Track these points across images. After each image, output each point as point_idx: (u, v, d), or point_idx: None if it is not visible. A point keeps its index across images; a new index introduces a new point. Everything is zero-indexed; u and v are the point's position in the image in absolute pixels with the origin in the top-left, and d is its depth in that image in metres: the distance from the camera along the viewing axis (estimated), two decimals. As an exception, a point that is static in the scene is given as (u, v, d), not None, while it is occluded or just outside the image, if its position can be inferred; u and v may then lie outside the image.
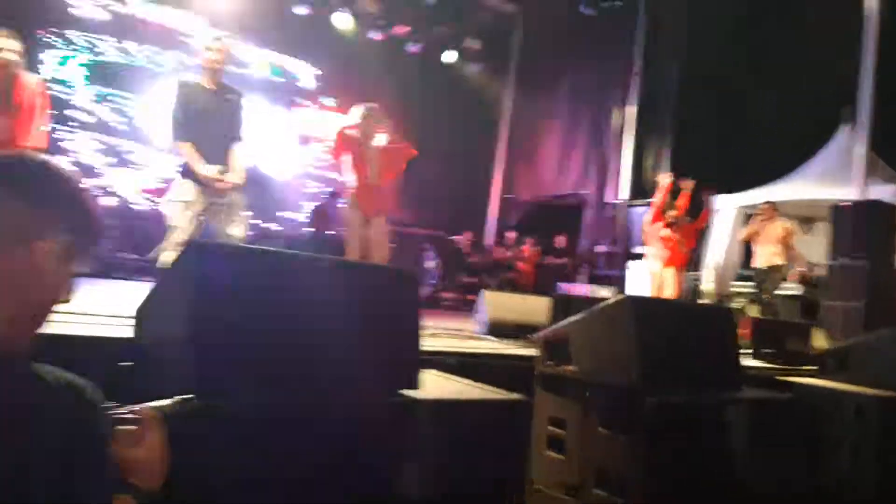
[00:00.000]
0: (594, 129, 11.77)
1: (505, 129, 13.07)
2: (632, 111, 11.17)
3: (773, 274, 7.44)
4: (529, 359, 3.79)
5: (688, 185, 7.47)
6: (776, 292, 7.55)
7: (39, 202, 1.03)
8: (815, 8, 8.72)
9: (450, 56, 12.29)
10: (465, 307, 9.02)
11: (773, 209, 7.65)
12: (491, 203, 12.94)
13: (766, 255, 7.45)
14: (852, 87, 7.35)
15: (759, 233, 7.57)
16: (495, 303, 5.22)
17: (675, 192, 7.40)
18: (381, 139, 5.17)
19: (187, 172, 4.13)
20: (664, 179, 7.52)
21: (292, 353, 2.42)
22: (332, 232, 9.08)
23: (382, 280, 2.75)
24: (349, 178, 5.11)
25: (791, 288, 7.91)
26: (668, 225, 7.32)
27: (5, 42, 3.89)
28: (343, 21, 11.18)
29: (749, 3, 9.55)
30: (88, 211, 1.09)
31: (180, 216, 4.06)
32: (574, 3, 10.76)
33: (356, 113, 5.21)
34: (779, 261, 7.34)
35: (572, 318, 3.56)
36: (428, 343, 3.70)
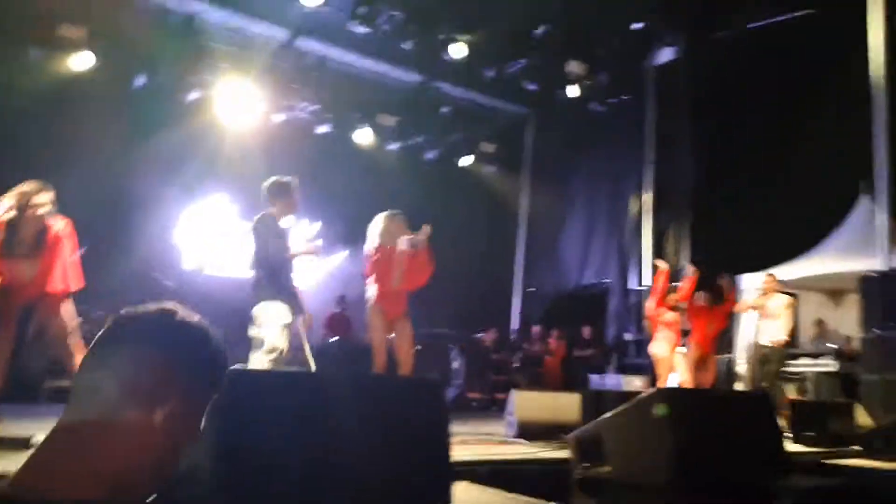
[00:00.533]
0: (613, 218, 11.91)
1: (524, 225, 13.27)
2: (648, 198, 11.33)
3: (778, 351, 7.22)
4: (563, 461, 3.71)
5: (689, 269, 7.54)
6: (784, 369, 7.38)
7: (177, 363, 1.05)
8: (824, 84, 8.93)
9: (466, 160, 12.69)
10: (494, 407, 8.89)
11: (775, 281, 7.54)
12: (514, 299, 12.97)
13: (770, 331, 7.28)
14: (868, 158, 7.43)
15: (764, 307, 7.42)
16: (524, 403, 5.16)
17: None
18: (404, 244, 5.24)
19: (280, 293, 4.42)
20: (661, 265, 7.59)
21: (322, 475, 2.42)
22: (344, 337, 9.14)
23: (408, 392, 2.77)
24: (372, 283, 5.24)
25: (829, 364, 7.71)
26: (672, 308, 7.31)
27: (40, 197, 4.12)
28: (364, 136, 11.67)
29: (756, 83, 9.81)
30: (221, 370, 1.12)
31: (282, 338, 4.33)
32: (583, 101, 11.15)
33: (380, 218, 5.42)
34: (783, 336, 7.16)
35: (604, 416, 3.51)
36: (458, 452, 3.65)
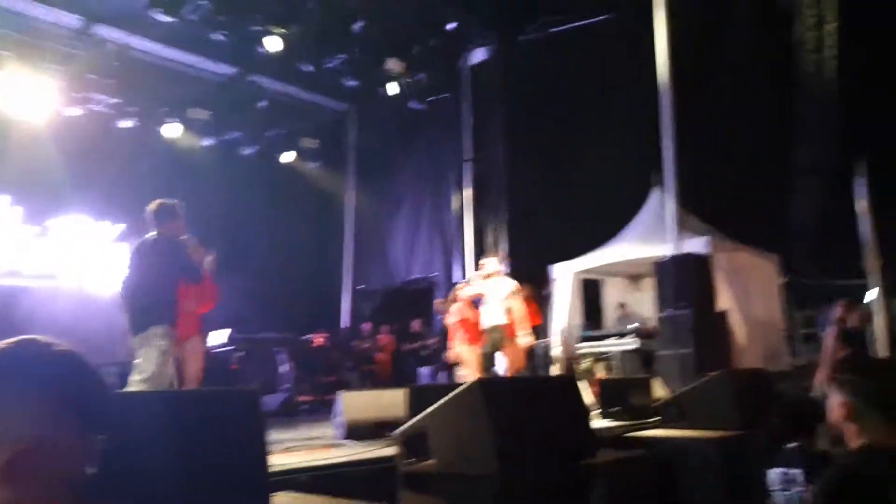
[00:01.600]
0: (436, 214, 12.19)
1: (350, 223, 13.19)
2: (468, 194, 11.72)
3: (494, 333, 7.19)
4: (389, 459, 3.71)
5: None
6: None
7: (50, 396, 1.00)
8: (618, 83, 9.73)
9: (287, 156, 12.32)
10: (324, 409, 8.74)
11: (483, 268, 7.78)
12: (343, 297, 12.85)
13: (490, 315, 7.32)
14: (657, 153, 8.17)
15: (484, 293, 7.46)
16: (352, 403, 5.10)
17: None
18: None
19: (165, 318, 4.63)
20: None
21: (139, 497, 2.21)
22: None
23: (221, 404, 2.61)
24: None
25: (631, 343, 8.42)
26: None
27: None
28: (173, 131, 10.93)
29: (560, 82, 10.50)
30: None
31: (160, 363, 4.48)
32: (403, 98, 11.26)
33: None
34: (503, 320, 7.19)
35: (428, 410, 3.55)
36: (279, 460, 3.52)
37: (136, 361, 4.54)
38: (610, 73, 9.86)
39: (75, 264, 10.05)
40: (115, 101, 9.92)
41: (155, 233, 4.83)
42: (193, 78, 10.66)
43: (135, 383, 4.47)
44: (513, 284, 7.27)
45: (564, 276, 9.44)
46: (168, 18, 8.65)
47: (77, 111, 9.66)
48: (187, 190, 10.72)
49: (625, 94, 9.53)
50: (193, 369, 5.28)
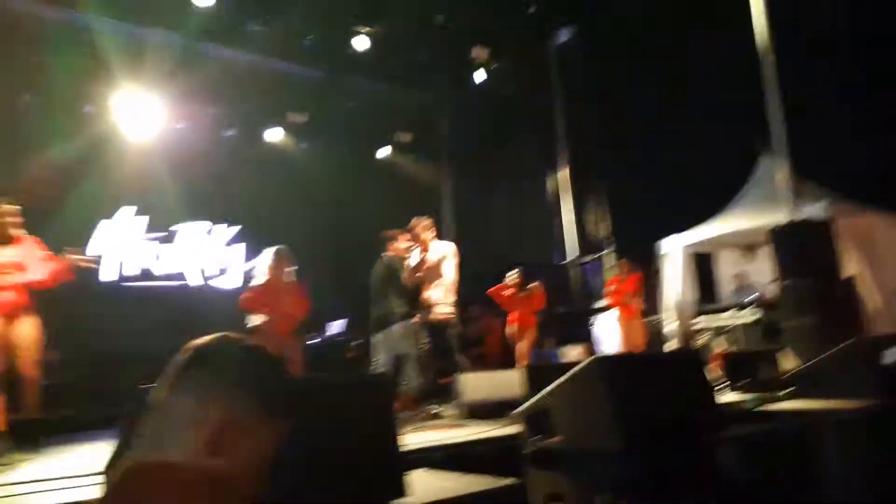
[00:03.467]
0: (533, 198, 12.11)
1: (448, 213, 13.31)
2: (564, 174, 11.56)
3: None
4: (514, 437, 3.75)
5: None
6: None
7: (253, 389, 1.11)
8: (716, 49, 9.30)
9: (383, 152, 12.61)
10: (440, 391, 8.90)
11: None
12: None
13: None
14: (763, 119, 7.78)
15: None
16: (470, 384, 5.19)
17: None
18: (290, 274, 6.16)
19: None
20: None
21: (280, 478, 2.36)
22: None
23: (355, 389, 2.73)
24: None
25: (752, 315, 8.08)
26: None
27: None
28: (275, 135, 11.45)
29: (652, 55, 10.16)
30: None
31: None
32: (491, 85, 11.24)
33: (269, 253, 6.18)
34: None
35: (548, 389, 3.56)
36: (412, 440, 3.64)
37: None
38: (706, 39, 9.44)
39: (199, 264, 10.78)
40: (218, 111, 10.46)
41: None
42: (289, 83, 11.02)
43: None
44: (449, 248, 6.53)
45: (674, 251, 9.17)
46: (262, 28, 9.06)
47: (185, 124, 10.28)
48: (291, 190, 11.25)
49: (724, 60, 9.11)
50: (297, 359, 6.00)
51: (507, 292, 8.60)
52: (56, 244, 5.00)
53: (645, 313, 8.60)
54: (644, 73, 10.23)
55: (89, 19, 8.58)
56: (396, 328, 6.09)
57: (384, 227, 11.94)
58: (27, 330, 4.54)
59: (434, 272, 6.25)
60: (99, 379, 7.98)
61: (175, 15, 8.90)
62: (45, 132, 8.84)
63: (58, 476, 3.54)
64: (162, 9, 8.89)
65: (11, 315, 4.46)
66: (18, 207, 4.69)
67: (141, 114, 9.71)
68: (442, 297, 6.20)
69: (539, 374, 4.40)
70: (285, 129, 11.50)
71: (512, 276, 8.61)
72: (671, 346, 8.49)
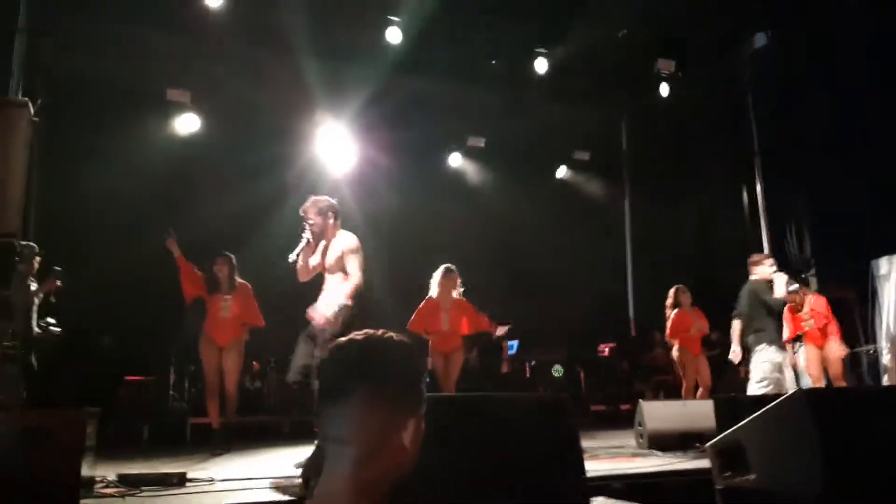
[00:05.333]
0: (725, 214, 11.41)
1: (628, 231, 12.93)
2: (759, 189, 10.79)
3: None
4: (703, 472, 3.53)
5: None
6: None
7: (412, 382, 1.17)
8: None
9: (561, 170, 12.60)
10: (617, 418, 8.65)
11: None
12: (631, 306, 12.61)
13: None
14: None
15: None
16: (654, 413, 4.96)
17: None
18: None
19: None
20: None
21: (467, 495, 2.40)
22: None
23: (536, 410, 2.72)
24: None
25: None
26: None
27: None
28: (455, 160, 11.88)
29: (858, 56, 9.17)
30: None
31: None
32: (676, 98, 10.79)
33: (439, 272, 6.40)
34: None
35: (744, 422, 3.31)
36: (591, 466, 3.55)
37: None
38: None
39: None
40: (402, 138, 11.00)
41: None
42: (469, 107, 11.31)
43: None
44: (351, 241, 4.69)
45: (893, 271, 8.15)
46: (446, 56, 9.44)
47: (372, 153, 10.96)
48: (473, 213, 11.53)
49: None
50: (453, 378, 6.21)
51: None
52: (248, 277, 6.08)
53: (849, 342, 7.66)
54: (843, 77, 9.25)
55: (298, 58, 9.40)
56: None
57: (564, 246, 11.90)
58: (234, 357, 5.81)
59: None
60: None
61: (369, 51, 9.51)
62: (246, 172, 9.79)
63: (260, 476, 3.89)
64: (357, 46, 9.54)
65: (225, 346, 5.78)
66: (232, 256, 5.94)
67: (338, 147, 10.45)
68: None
69: (733, 405, 4.10)
70: (464, 153, 11.86)
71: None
72: (887, 380, 7.50)
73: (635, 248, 12.79)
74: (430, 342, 6.28)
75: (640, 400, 5.38)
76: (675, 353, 7.41)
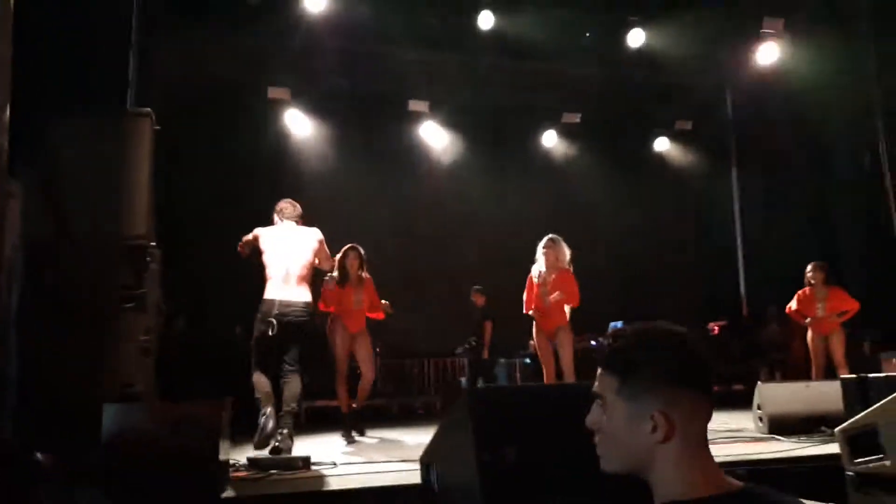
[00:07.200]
0: (846, 184, 10.67)
1: (735, 205, 12.35)
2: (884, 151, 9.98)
3: None
4: (831, 457, 3.37)
5: None
6: None
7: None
8: None
9: (661, 143, 12.18)
10: (730, 399, 8.32)
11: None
12: (742, 282, 12.10)
13: None
14: None
15: None
16: (773, 396, 4.75)
17: None
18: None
19: None
20: None
21: (571, 488, 2.41)
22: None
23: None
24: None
25: None
26: None
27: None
28: (549, 138, 11.74)
29: None
30: None
31: None
32: (781, 63, 10.14)
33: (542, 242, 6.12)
34: None
35: (878, 405, 3.13)
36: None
37: None
38: None
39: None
40: (496, 121, 10.96)
41: None
42: (563, 84, 11.09)
43: None
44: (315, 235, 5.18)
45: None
46: (539, 34, 9.32)
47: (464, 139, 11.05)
48: (569, 190, 11.36)
49: None
50: (566, 360, 5.85)
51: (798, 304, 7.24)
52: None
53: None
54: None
55: (391, 49, 9.55)
56: None
57: (666, 224, 11.51)
58: (367, 344, 6.12)
59: None
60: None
61: (460, 39, 9.53)
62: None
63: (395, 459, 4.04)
64: (450, 36, 9.58)
65: (356, 334, 6.04)
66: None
67: (437, 138, 10.60)
68: None
69: (863, 387, 3.88)
70: (559, 131, 11.68)
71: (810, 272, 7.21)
72: None
73: (745, 221, 12.20)
74: (534, 322, 6.05)
75: (759, 382, 5.15)
76: (808, 334, 7.05)
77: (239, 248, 4.89)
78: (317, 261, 5.05)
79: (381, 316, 6.21)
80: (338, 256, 5.90)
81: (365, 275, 6.08)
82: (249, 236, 4.87)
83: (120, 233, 4.48)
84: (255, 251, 4.86)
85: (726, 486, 1.10)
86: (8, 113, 4.47)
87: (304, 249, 4.88)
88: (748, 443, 4.24)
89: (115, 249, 4.42)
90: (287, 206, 5.06)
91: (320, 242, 5.01)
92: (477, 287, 9.11)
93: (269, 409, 4.42)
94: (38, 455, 3.77)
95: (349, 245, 6.09)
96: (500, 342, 9.14)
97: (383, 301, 6.14)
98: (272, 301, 4.66)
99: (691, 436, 1.11)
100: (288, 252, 4.82)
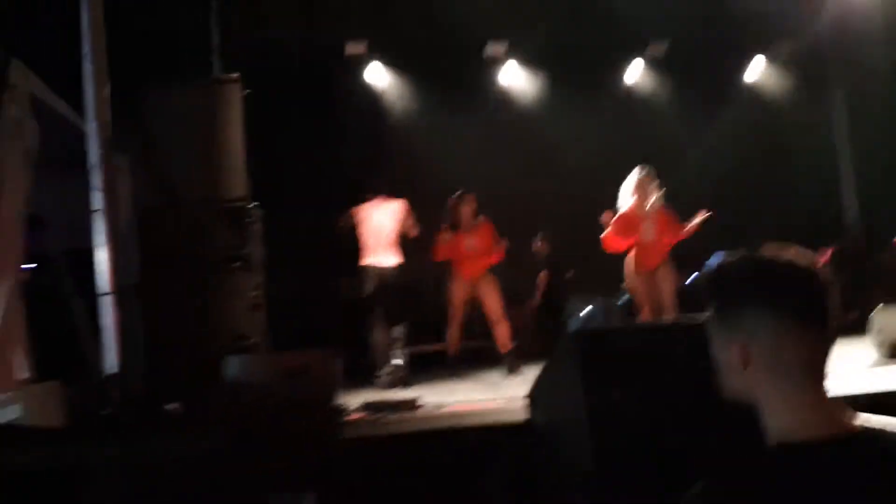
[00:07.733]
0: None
1: (843, 140, 11.53)
2: None
3: None
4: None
5: None
6: None
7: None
8: None
9: (755, 71, 11.41)
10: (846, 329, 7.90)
11: None
12: (848, 204, 11.41)
13: None
14: None
15: None
16: (893, 320, 4.49)
17: None
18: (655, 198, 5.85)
19: None
20: None
21: (679, 427, 2.38)
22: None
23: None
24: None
25: None
26: None
27: None
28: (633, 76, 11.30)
29: None
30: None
31: None
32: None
33: (633, 174, 5.93)
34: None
35: None
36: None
37: None
38: None
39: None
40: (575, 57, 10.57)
41: None
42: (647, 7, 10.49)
43: None
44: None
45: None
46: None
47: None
48: (657, 125, 10.86)
49: None
50: (667, 296, 5.78)
51: None
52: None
53: None
54: None
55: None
56: None
57: (764, 155, 10.84)
58: (490, 287, 6.39)
59: None
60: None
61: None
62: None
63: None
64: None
65: (475, 280, 6.33)
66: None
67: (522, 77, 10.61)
68: None
69: None
70: (646, 62, 11.16)
71: None
72: None
73: (854, 144, 11.37)
74: (630, 259, 5.84)
75: (881, 304, 4.82)
76: None
77: (340, 223, 6.06)
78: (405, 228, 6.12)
79: (495, 259, 6.35)
80: (450, 203, 6.30)
81: (481, 219, 6.35)
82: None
83: (220, 196, 4.70)
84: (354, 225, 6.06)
85: (842, 425, 1.04)
86: (109, 87, 4.71)
87: (391, 220, 6.02)
88: (866, 371, 4.04)
89: (217, 212, 4.64)
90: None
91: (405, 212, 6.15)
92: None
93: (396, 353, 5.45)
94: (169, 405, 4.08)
95: (459, 192, 6.32)
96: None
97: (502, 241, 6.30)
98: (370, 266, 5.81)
99: (784, 366, 1.07)
100: (380, 223, 5.95)
